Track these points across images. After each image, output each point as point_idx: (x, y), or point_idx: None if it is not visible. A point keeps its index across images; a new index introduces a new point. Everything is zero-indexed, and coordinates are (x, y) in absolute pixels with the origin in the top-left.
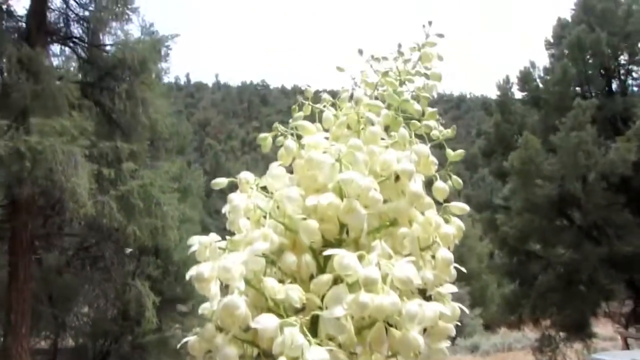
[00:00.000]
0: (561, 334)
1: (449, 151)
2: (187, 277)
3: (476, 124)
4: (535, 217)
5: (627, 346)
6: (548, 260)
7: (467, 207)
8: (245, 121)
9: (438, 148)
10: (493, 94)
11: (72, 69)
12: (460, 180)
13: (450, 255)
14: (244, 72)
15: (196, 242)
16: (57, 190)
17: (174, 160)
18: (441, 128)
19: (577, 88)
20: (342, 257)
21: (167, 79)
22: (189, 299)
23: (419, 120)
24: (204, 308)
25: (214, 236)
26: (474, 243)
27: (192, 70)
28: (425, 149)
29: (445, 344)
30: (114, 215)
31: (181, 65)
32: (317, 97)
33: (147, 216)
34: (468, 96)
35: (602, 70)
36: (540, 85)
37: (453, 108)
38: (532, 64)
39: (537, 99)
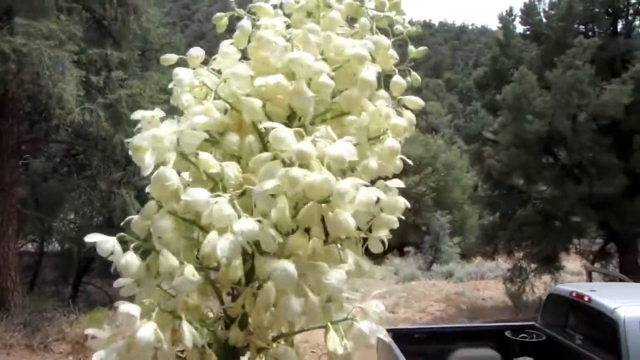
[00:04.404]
0: (532, 265)
1: (411, 47)
2: (129, 150)
3: (475, 56)
4: (522, 152)
5: (590, 280)
6: (529, 195)
7: (421, 102)
8: None
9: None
10: (495, 25)
11: None
12: (418, 77)
13: (397, 146)
14: None
15: (139, 115)
16: (43, 95)
17: (165, 71)
18: (407, 24)
19: (581, 26)
20: (278, 130)
21: None
22: None
23: (383, 12)
24: (149, 187)
25: (157, 111)
26: (460, 174)
27: None
28: (385, 40)
29: (385, 234)
30: (101, 123)
31: None
32: None
33: (134, 126)
34: (470, 27)
35: (609, 9)
36: (544, 20)
37: (453, 38)
38: None
39: (538, 34)
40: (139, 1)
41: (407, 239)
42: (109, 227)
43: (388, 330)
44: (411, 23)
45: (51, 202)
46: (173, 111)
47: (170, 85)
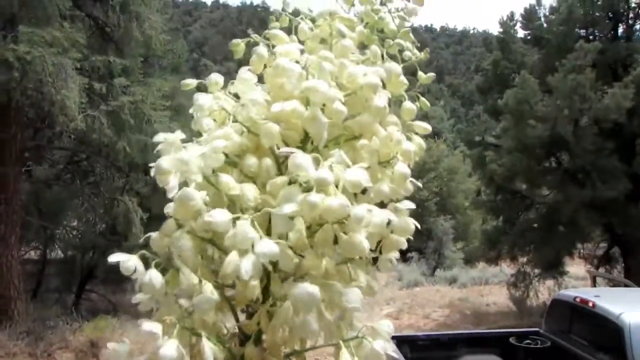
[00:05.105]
0: (536, 270)
1: (420, 73)
2: (152, 172)
3: (477, 60)
4: (524, 156)
5: (594, 285)
6: (532, 200)
7: (429, 127)
8: None
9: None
10: (496, 30)
11: None
12: (427, 103)
13: (407, 170)
14: None
15: (162, 138)
16: (46, 103)
17: (167, 78)
18: (415, 51)
19: (582, 30)
20: (296, 156)
21: None
22: None
23: (393, 40)
24: (169, 207)
25: (179, 134)
26: (463, 179)
27: None
28: (396, 67)
29: (394, 255)
30: (104, 130)
31: None
32: (297, 12)
33: (137, 132)
34: (471, 31)
35: (610, 13)
36: (544, 25)
37: (455, 43)
38: (538, 2)
39: (539, 39)
40: (141, 8)
41: (410, 244)
42: (112, 234)
43: (392, 337)
44: (419, 49)
45: (54, 209)
46: (176, 117)
47: (190, 110)
